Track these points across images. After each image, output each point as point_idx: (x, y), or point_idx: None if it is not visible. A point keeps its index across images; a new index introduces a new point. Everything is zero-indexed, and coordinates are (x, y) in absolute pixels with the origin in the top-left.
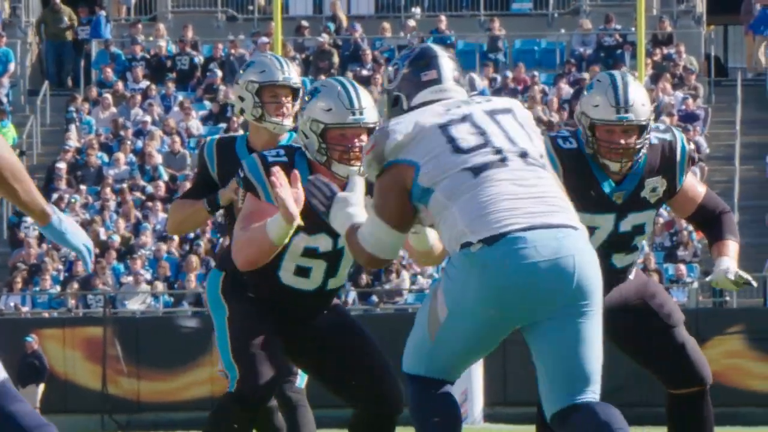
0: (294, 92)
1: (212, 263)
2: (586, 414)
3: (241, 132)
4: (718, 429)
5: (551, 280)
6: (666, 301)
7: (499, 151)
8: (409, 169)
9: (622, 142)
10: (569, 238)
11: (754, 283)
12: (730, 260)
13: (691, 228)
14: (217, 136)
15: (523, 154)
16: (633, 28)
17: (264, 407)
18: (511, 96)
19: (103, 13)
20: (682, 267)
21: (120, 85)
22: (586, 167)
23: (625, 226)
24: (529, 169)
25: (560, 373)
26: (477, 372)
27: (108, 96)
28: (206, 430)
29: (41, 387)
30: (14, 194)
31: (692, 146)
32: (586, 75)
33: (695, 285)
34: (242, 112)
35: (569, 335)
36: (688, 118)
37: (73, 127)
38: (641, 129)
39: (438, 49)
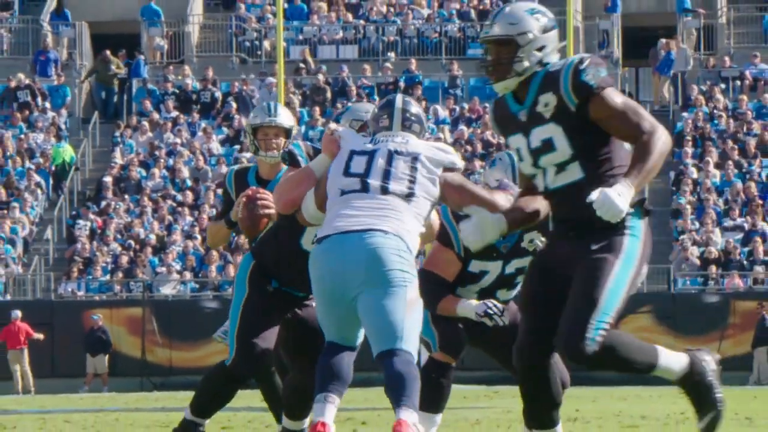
0: (284, 131)
1: (230, 258)
2: (387, 362)
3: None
4: (632, 388)
5: (348, 264)
6: None
7: (365, 183)
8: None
9: None
10: (372, 237)
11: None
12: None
13: None
14: (235, 168)
15: (384, 189)
16: None
17: (262, 375)
18: (466, 123)
19: (141, 57)
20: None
21: (155, 114)
22: None
23: (510, 269)
24: (382, 197)
25: (372, 331)
26: None
27: (145, 123)
28: (199, 389)
29: (107, 356)
30: None
31: None
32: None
33: None
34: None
35: (373, 304)
36: None
37: (117, 148)
38: None
39: (399, 101)
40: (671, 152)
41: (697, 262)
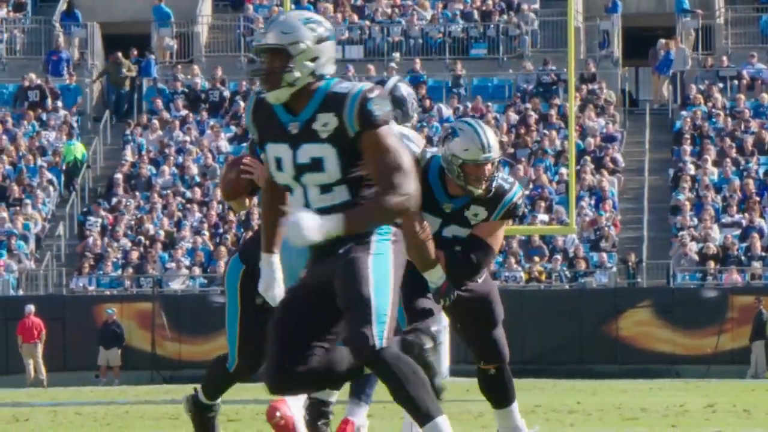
0: None
1: None
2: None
3: None
4: (632, 382)
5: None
6: (496, 305)
7: None
8: None
9: (484, 173)
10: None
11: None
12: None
13: (611, 224)
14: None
15: None
16: (565, 69)
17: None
18: None
19: (152, 56)
20: (604, 255)
21: (165, 113)
22: (426, 180)
23: (447, 233)
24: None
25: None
26: (444, 335)
27: (155, 121)
28: (205, 378)
29: (120, 350)
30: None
31: (519, 203)
32: (529, 105)
33: (614, 269)
34: None
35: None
36: (608, 139)
37: (128, 146)
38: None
39: (389, 85)
40: (671, 150)
41: (696, 257)
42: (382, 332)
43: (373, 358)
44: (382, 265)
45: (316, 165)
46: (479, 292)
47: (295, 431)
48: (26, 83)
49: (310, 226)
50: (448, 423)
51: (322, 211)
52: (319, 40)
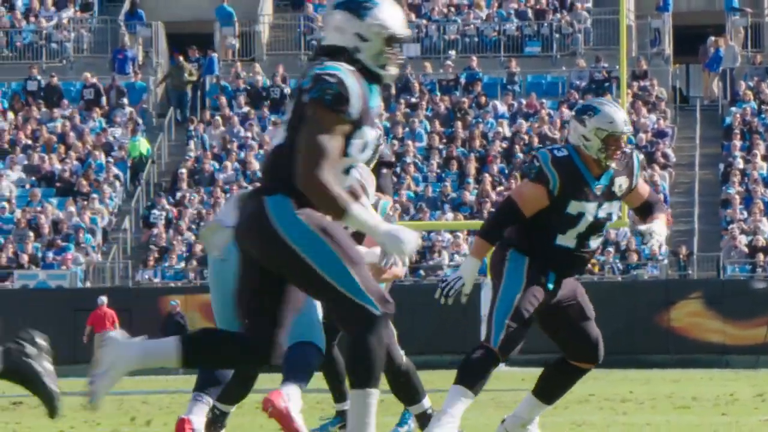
0: None
1: None
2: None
3: None
4: (684, 371)
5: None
6: (587, 302)
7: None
8: None
9: (623, 145)
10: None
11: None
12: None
13: None
14: None
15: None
16: (617, 66)
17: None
18: (524, 118)
19: (214, 55)
20: (656, 247)
21: (227, 110)
22: (576, 168)
23: (602, 213)
24: None
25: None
26: None
27: (218, 118)
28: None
29: None
30: None
31: (642, 157)
32: (582, 101)
33: (665, 261)
34: None
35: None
36: (659, 135)
37: (192, 141)
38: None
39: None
40: (720, 145)
41: (746, 249)
42: None
43: None
44: None
45: None
46: (567, 291)
47: (292, 419)
48: (93, 81)
49: (409, 235)
50: None
51: None
52: None
